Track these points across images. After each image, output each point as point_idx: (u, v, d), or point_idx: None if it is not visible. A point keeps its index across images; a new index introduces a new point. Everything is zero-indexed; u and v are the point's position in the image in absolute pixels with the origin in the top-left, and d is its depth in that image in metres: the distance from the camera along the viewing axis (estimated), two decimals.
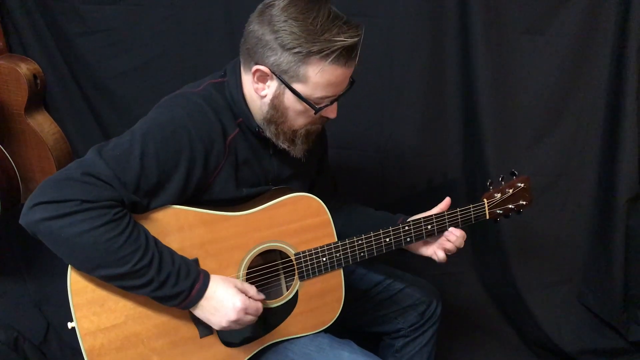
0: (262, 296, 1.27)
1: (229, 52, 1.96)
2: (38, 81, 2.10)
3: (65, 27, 2.05)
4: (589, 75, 1.96)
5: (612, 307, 2.08)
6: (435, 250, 1.47)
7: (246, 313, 1.21)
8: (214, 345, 1.29)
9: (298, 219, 1.32)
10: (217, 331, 1.28)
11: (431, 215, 1.44)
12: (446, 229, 1.46)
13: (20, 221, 1.08)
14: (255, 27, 1.20)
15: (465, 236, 1.46)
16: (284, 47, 1.17)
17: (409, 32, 1.92)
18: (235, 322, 1.20)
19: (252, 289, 1.25)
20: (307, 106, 1.24)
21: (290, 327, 1.37)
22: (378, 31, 1.91)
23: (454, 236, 1.44)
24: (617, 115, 1.94)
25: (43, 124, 2.14)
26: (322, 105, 1.25)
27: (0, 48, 2.10)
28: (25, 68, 2.06)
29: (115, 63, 2.08)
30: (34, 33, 2.10)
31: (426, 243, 1.49)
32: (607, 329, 2.13)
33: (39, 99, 2.15)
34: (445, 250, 1.45)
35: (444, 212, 1.45)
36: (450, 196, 1.49)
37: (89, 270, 1.13)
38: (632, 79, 1.88)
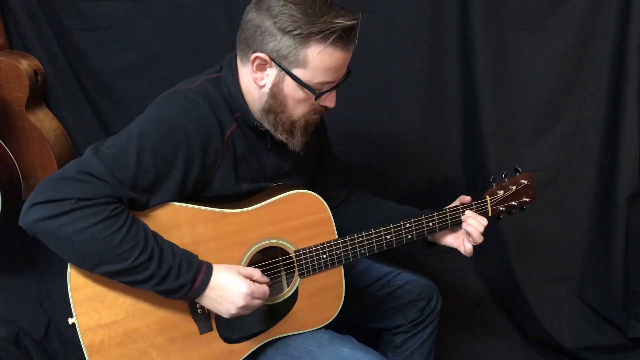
0: (267, 279, 1.27)
1: (229, 48, 1.94)
2: (39, 77, 2.09)
3: (66, 23, 2.05)
4: (590, 71, 1.96)
5: (612, 304, 2.08)
6: (464, 242, 1.46)
7: (253, 297, 1.21)
8: (214, 341, 1.29)
9: (298, 216, 1.33)
10: (218, 328, 1.29)
11: (433, 213, 1.44)
12: (448, 227, 1.47)
13: (20, 223, 1.09)
14: (253, 16, 1.21)
15: (484, 222, 1.45)
16: (284, 31, 1.17)
17: (409, 28, 1.92)
18: (244, 307, 1.20)
19: (256, 273, 1.25)
20: (307, 93, 1.23)
21: (291, 324, 1.37)
22: (378, 28, 1.90)
23: (473, 220, 1.43)
24: (618, 112, 1.94)
25: (44, 120, 2.14)
26: (322, 91, 1.24)
27: (1, 44, 2.09)
28: (25, 64, 2.05)
29: (116, 59, 2.08)
30: (34, 29, 2.10)
31: (454, 234, 1.49)
32: (607, 326, 2.13)
33: (39, 95, 2.15)
34: (471, 238, 1.44)
35: (446, 209, 1.45)
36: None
37: (89, 267, 1.13)
38: (633, 75, 1.88)
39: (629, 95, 1.90)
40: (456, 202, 1.49)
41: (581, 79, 1.97)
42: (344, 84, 1.29)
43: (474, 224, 1.43)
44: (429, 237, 1.51)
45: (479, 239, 1.44)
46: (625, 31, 1.86)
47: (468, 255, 1.48)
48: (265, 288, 1.24)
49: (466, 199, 1.49)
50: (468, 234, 1.44)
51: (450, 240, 1.50)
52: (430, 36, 1.93)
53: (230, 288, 1.19)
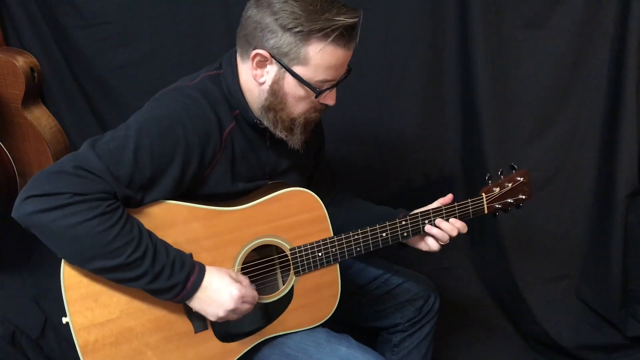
0: (253, 286, 1.26)
1: (226, 45, 1.93)
2: (35, 74, 2.09)
3: (63, 20, 2.04)
4: (589, 70, 1.96)
5: (610, 303, 2.08)
6: (427, 241, 1.46)
7: (243, 301, 1.21)
8: (209, 340, 1.28)
9: (293, 214, 1.32)
10: (213, 326, 1.28)
11: (429, 210, 1.43)
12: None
13: (13, 214, 1.09)
14: (254, 12, 1.20)
15: (454, 228, 1.43)
16: (285, 28, 1.16)
17: (408, 26, 1.92)
18: (233, 311, 1.20)
19: (245, 280, 1.24)
20: (307, 91, 1.23)
21: (287, 322, 1.36)
22: (377, 25, 1.90)
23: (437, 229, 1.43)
24: (617, 111, 1.94)
25: (40, 118, 2.13)
26: (322, 89, 1.24)
27: None
28: (22, 61, 2.05)
29: (113, 56, 2.07)
30: (31, 26, 2.10)
31: (423, 237, 1.48)
32: (605, 325, 2.13)
33: (36, 92, 2.15)
34: (437, 239, 1.43)
35: (441, 207, 1.44)
36: (448, 191, 1.48)
37: (82, 263, 1.12)
38: (632, 74, 1.88)
39: (628, 94, 1.90)
40: (437, 204, 1.46)
41: (580, 77, 1.97)
42: (343, 81, 1.28)
43: (447, 228, 1.42)
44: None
45: (445, 238, 1.43)
46: (625, 30, 1.85)
47: (436, 253, 1.47)
48: (255, 293, 1.24)
49: (447, 199, 1.46)
50: (436, 238, 1.43)
51: (420, 243, 1.49)
52: (430, 34, 1.93)
53: (222, 290, 1.19)
